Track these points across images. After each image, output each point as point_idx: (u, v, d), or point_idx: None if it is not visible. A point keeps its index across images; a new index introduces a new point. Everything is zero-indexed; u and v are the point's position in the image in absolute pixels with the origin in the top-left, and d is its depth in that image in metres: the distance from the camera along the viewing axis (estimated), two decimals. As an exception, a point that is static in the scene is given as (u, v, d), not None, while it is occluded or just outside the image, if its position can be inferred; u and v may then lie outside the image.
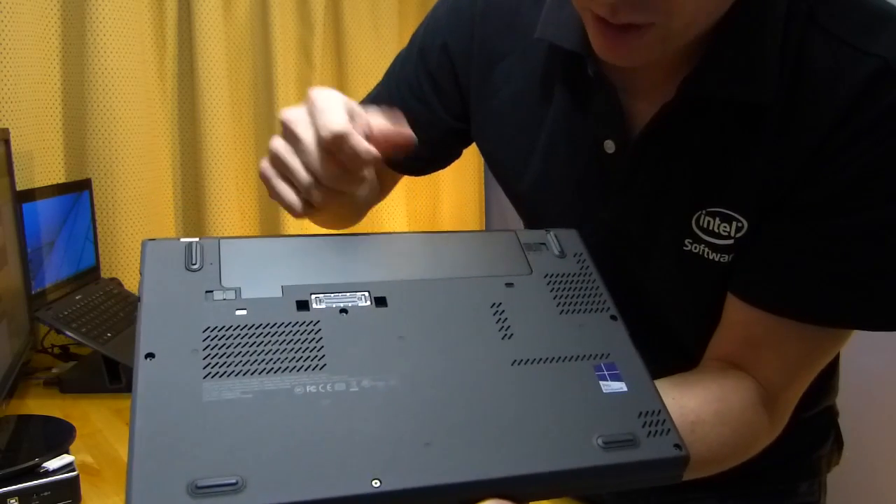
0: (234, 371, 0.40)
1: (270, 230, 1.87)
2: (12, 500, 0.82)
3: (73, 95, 1.52)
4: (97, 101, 1.51)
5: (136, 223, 1.59)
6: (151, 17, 1.62)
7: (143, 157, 1.59)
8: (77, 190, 1.46)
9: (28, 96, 1.41)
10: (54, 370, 1.29)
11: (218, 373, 0.39)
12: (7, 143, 1.16)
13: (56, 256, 1.37)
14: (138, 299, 0.42)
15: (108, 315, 1.32)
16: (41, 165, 1.48)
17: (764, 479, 0.79)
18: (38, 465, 0.86)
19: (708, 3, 0.51)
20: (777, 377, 0.61)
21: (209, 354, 0.40)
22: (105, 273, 1.56)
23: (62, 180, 1.51)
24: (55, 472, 0.86)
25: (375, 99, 0.79)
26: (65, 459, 0.88)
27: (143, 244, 0.45)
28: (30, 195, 1.30)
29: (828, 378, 0.80)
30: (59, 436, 0.98)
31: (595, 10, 0.51)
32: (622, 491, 0.81)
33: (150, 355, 0.39)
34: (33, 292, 1.25)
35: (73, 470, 0.87)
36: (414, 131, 0.56)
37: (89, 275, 1.49)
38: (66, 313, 1.25)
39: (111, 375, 1.21)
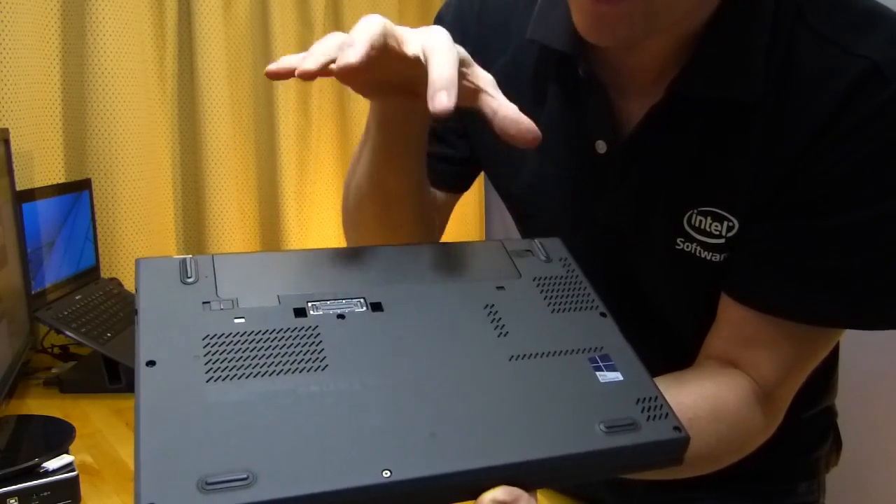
0: (236, 375, 0.40)
1: (270, 230, 1.87)
2: (12, 500, 0.82)
3: (73, 95, 1.52)
4: (97, 101, 1.51)
5: (136, 223, 1.59)
6: (151, 17, 1.62)
7: (143, 157, 1.59)
8: (77, 190, 1.46)
9: (28, 96, 1.41)
10: (54, 370, 1.29)
11: (221, 376, 0.40)
12: (7, 143, 1.16)
13: (56, 256, 1.37)
14: (135, 312, 0.43)
15: (108, 315, 1.32)
16: (41, 165, 1.48)
17: (763, 479, 0.80)
18: (38, 465, 0.86)
19: None
20: (771, 375, 0.62)
21: (210, 360, 0.40)
22: (105, 273, 1.57)
23: (62, 180, 1.52)
24: (55, 472, 0.86)
25: None
26: (65, 459, 0.88)
27: (137, 263, 0.46)
28: (30, 195, 1.30)
29: (827, 378, 0.80)
30: (58, 436, 0.98)
31: None
32: (623, 491, 0.82)
33: (150, 363, 0.40)
34: (33, 292, 1.25)
35: (73, 470, 0.87)
36: (445, 137, 0.55)
37: (89, 275, 1.49)
38: (65, 313, 1.25)
39: (111, 375, 1.21)
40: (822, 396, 0.81)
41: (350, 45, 0.44)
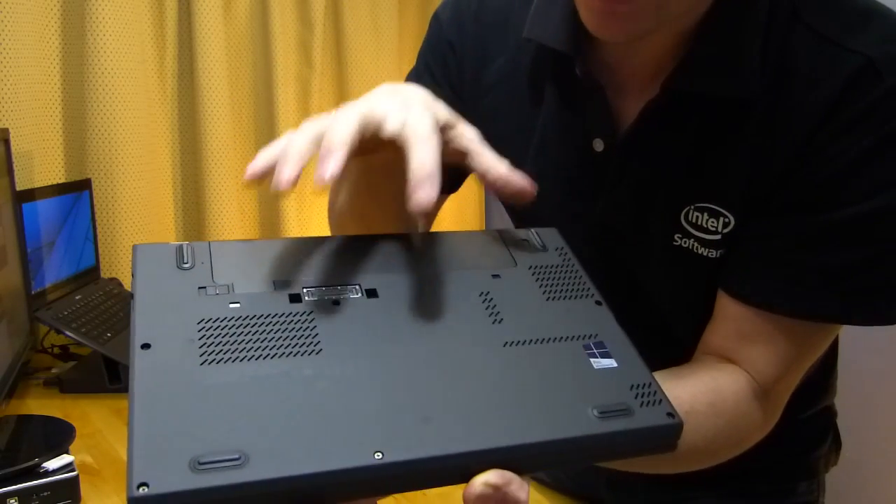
0: (231, 358, 0.40)
1: (270, 230, 1.87)
2: (12, 500, 0.82)
3: (73, 95, 1.52)
4: (97, 101, 1.51)
5: (136, 223, 1.59)
6: (151, 17, 1.62)
7: (143, 157, 1.59)
8: (77, 190, 1.46)
9: (28, 96, 1.41)
10: (54, 370, 1.29)
11: (215, 359, 0.40)
12: (7, 143, 1.16)
13: (56, 256, 1.37)
14: (131, 296, 0.43)
15: (107, 315, 1.32)
16: (41, 165, 1.48)
17: (762, 479, 0.80)
18: (38, 465, 0.87)
19: None
20: (769, 371, 0.62)
21: (205, 343, 0.41)
22: (105, 273, 1.57)
23: (62, 180, 1.52)
24: (55, 472, 0.86)
25: None
26: (64, 459, 0.88)
27: (134, 248, 0.46)
28: (30, 195, 1.30)
29: (826, 378, 0.80)
30: (58, 436, 0.98)
31: None
32: (623, 490, 0.82)
33: (145, 346, 0.40)
34: (33, 292, 1.26)
35: (73, 470, 0.87)
36: None
37: (89, 275, 1.49)
38: (65, 313, 1.25)
39: (111, 375, 1.21)
40: (822, 396, 0.81)
41: (327, 153, 0.42)
